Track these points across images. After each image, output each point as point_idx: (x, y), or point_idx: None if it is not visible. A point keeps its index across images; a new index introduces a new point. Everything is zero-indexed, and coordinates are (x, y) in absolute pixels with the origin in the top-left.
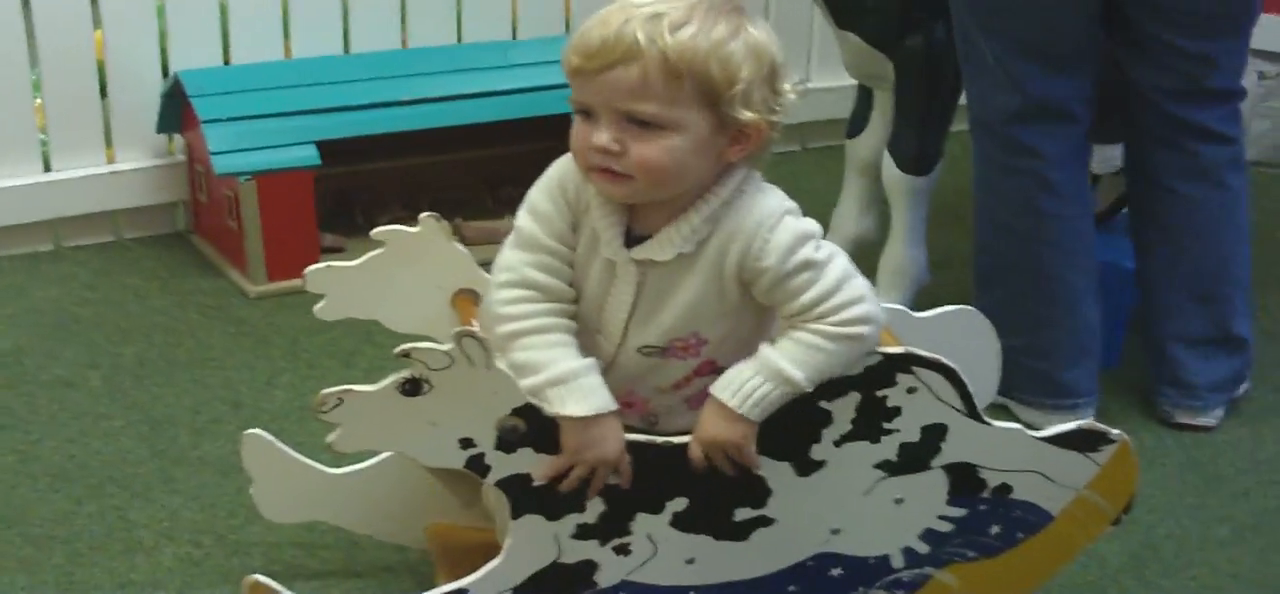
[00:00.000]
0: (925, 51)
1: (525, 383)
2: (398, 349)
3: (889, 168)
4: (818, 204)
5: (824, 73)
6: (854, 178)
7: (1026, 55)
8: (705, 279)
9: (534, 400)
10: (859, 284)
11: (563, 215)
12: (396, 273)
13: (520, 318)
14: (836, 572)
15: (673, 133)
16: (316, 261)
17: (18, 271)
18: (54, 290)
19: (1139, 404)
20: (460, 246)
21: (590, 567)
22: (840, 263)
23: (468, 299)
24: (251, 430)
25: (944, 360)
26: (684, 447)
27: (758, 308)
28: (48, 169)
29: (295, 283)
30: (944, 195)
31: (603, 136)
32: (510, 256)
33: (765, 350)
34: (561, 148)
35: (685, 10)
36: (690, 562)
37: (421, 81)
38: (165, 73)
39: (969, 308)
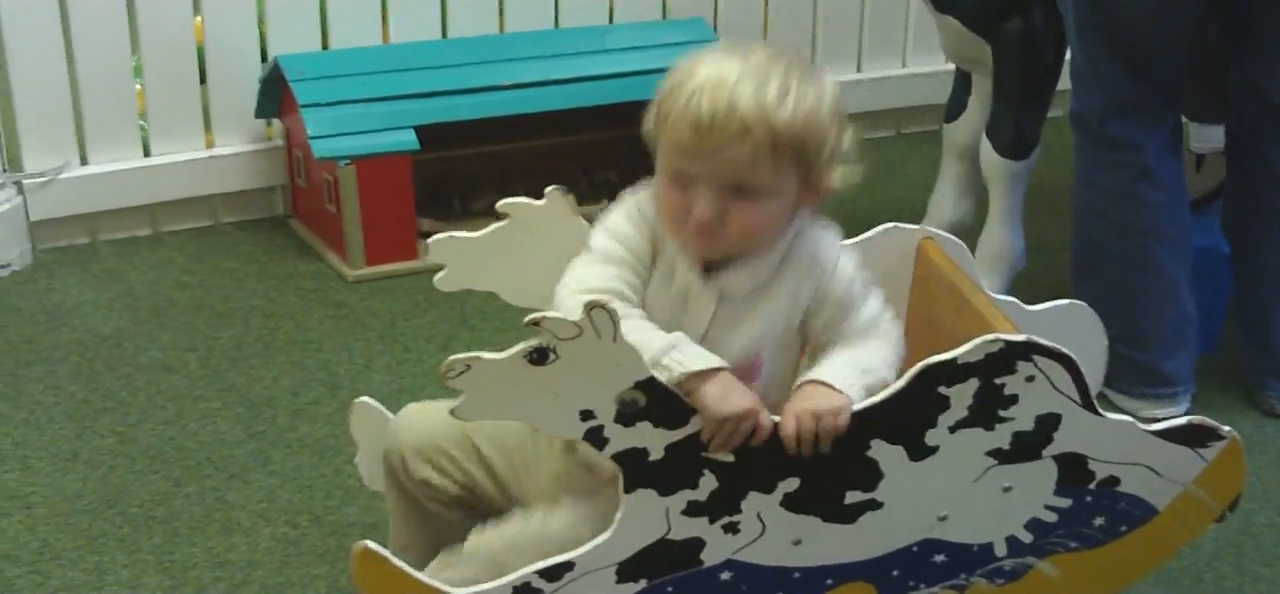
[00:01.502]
0: (1024, 35)
1: (643, 353)
2: (528, 318)
3: (987, 152)
4: (914, 189)
5: (920, 57)
6: (952, 162)
7: (1114, 56)
8: (776, 308)
9: (657, 369)
10: None
11: (644, 238)
12: (518, 245)
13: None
14: (940, 558)
15: (770, 199)
16: (414, 246)
17: (117, 256)
18: (152, 274)
19: (1237, 391)
20: (585, 222)
21: (698, 544)
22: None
23: None
24: (361, 399)
25: (1064, 350)
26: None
27: (796, 348)
28: (147, 154)
29: (393, 266)
30: (1041, 181)
31: (706, 209)
32: (588, 274)
33: (843, 354)
34: None
35: (781, 78)
36: (796, 543)
37: (518, 67)
38: (264, 58)
39: (1079, 303)
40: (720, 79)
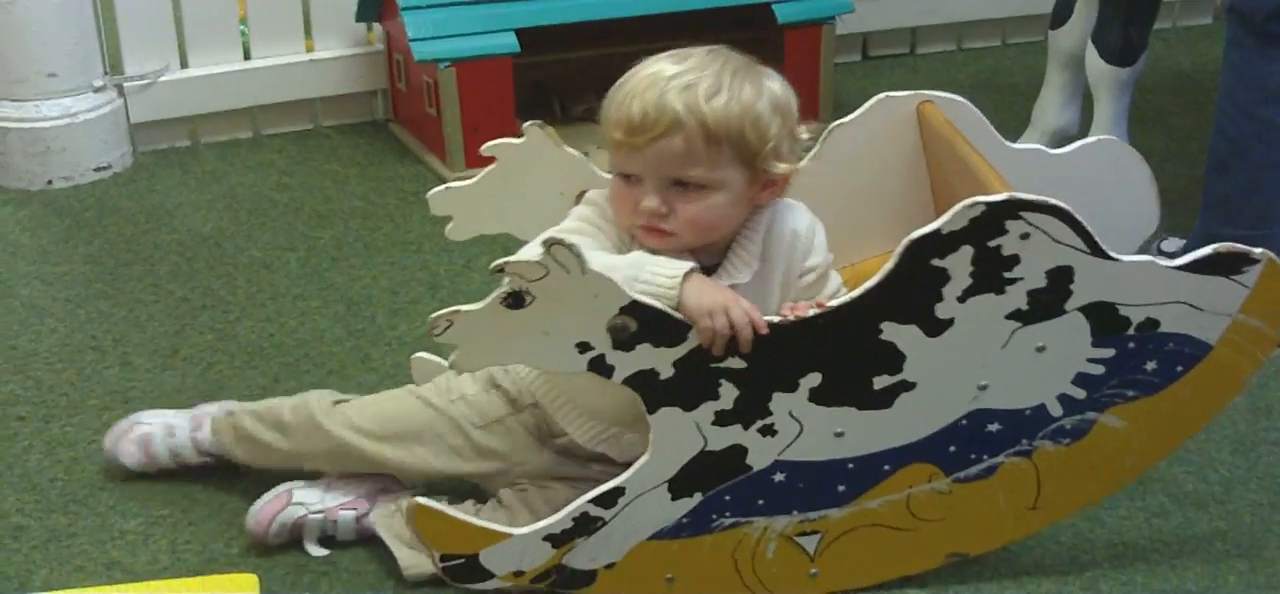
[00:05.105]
0: None
1: (614, 278)
2: (493, 264)
3: (1093, 58)
4: (1018, 98)
5: None
6: (1057, 69)
7: None
8: (773, 284)
9: (633, 288)
10: None
11: (610, 237)
12: (514, 185)
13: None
14: (994, 427)
15: (715, 191)
16: None
17: (217, 158)
18: (252, 176)
19: None
20: (571, 151)
21: (740, 451)
22: None
23: None
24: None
25: (1052, 201)
26: (806, 321)
27: None
28: (247, 57)
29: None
30: (1144, 93)
31: (652, 201)
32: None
33: None
34: (761, 39)
35: (713, 77)
36: (839, 434)
37: None
38: None
39: (1110, 138)
40: (653, 79)
